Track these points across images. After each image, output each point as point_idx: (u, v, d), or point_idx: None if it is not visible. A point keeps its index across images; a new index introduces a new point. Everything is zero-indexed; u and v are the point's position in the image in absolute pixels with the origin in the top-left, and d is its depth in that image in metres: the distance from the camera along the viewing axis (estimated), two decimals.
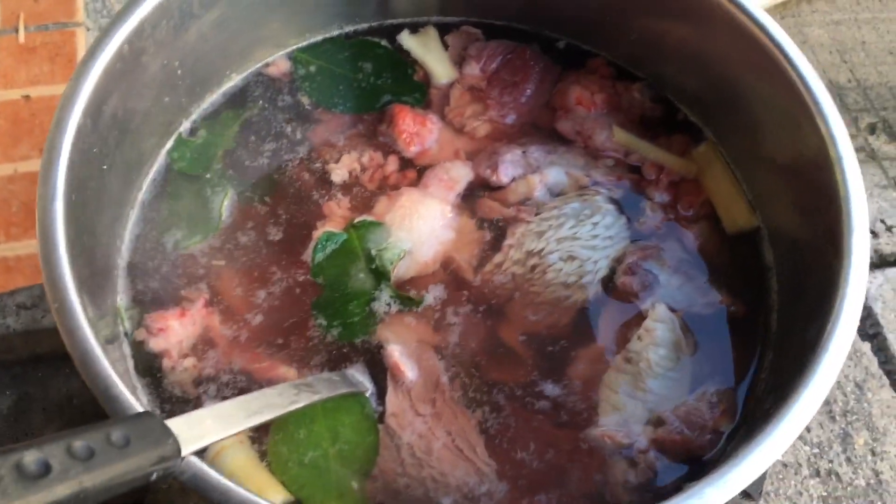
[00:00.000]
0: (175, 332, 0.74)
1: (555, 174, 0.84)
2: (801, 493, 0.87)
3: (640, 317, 0.77)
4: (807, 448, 0.89)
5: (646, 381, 0.73)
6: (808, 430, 0.90)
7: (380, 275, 0.77)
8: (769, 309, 0.79)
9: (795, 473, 0.88)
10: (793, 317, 0.76)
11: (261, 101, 0.88)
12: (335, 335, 0.75)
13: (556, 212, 0.81)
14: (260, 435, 0.70)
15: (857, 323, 0.64)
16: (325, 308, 0.76)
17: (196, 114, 0.85)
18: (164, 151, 0.82)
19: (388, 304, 0.76)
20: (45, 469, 0.41)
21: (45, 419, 0.85)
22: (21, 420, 0.85)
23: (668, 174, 0.85)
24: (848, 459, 0.89)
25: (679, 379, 0.74)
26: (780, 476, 0.88)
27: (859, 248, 0.66)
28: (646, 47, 0.89)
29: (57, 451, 0.42)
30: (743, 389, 0.76)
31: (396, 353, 0.73)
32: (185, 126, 0.84)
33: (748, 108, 0.83)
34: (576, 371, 0.78)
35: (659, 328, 0.74)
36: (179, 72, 0.79)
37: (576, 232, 0.80)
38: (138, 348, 0.73)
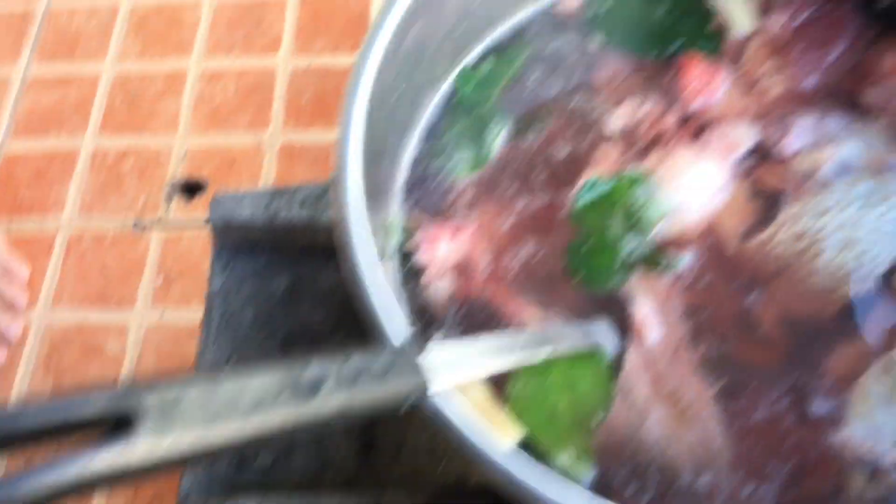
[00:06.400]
0: (442, 249, 0.79)
1: (850, 150, 0.77)
2: None
3: None
4: None
5: None
6: None
7: (639, 230, 0.77)
8: None
9: None
10: None
11: (548, 38, 0.88)
12: (585, 282, 0.76)
13: (841, 192, 0.75)
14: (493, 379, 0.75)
15: None
16: (578, 254, 0.77)
17: (484, 45, 0.87)
18: (450, 79, 0.85)
19: (642, 261, 0.76)
20: (317, 387, 0.47)
21: (311, 306, 0.95)
22: (291, 304, 0.96)
23: None
24: None
25: None
26: None
27: None
28: None
29: (330, 372, 0.48)
30: None
31: (644, 310, 0.73)
32: (473, 56, 0.87)
33: None
34: (832, 367, 0.73)
35: None
36: (477, 2, 0.82)
37: (860, 217, 0.74)
38: (404, 262, 0.80)
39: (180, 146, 1.46)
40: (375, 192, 0.79)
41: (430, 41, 0.77)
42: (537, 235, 0.79)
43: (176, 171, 1.43)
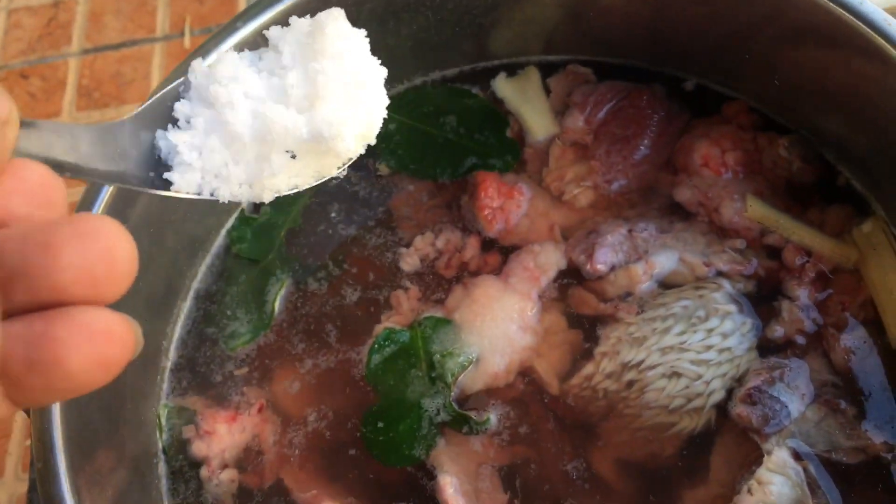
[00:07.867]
0: (220, 439, 0.68)
1: (665, 262, 0.68)
2: None
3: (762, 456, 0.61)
4: None
5: None
6: None
7: (443, 385, 0.67)
8: None
9: None
10: None
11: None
12: (384, 458, 0.65)
13: (663, 311, 0.66)
14: None
15: None
16: (375, 424, 0.66)
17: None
18: (223, 231, 0.75)
19: (448, 424, 0.65)
20: None
21: None
22: None
23: (816, 262, 0.66)
24: None
25: None
26: None
27: None
28: (799, 90, 0.70)
29: None
30: None
31: (450, 490, 0.62)
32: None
33: None
34: None
35: (776, 481, 0.57)
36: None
37: (684, 341, 0.64)
38: (175, 458, 0.68)
39: None
40: (136, 390, 0.68)
41: (176, 205, 0.67)
42: (329, 401, 0.68)
43: None
